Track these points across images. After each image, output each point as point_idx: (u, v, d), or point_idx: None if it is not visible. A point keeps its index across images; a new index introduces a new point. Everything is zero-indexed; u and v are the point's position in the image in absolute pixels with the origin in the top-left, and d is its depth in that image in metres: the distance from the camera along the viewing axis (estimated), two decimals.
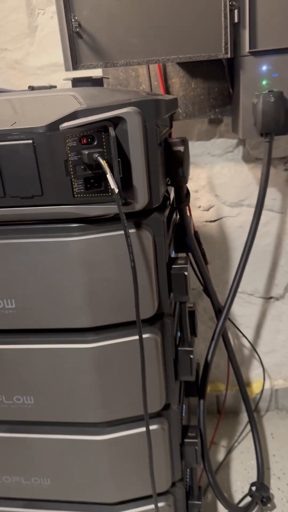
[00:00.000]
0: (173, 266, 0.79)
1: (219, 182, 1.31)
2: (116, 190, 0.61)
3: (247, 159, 1.28)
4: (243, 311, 1.44)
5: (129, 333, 0.77)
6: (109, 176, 0.61)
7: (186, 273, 0.79)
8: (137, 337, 0.76)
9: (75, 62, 0.89)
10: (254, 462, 1.34)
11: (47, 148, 0.64)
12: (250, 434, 1.43)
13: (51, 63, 1.21)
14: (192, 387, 1.06)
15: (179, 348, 0.85)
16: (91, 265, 0.71)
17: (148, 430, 0.76)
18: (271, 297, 1.44)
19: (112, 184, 0.62)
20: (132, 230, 0.70)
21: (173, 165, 0.81)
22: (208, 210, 1.34)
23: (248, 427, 1.46)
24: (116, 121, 0.65)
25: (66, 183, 0.66)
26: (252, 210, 1.33)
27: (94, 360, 0.76)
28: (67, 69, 0.90)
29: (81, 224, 0.71)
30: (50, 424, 0.84)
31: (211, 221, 1.35)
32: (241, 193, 1.31)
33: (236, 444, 1.41)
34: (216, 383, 1.52)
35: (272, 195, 1.31)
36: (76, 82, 0.82)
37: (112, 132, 0.63)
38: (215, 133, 1.26)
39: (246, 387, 1.45)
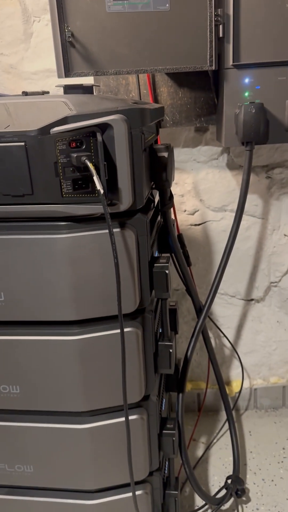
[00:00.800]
0: (155, 264, 0.84)
1: (204, 188, 1.36)
2: (102, 191, 0.66)
3: (231, 166, 1.34)
4: (225, 312, 1.50)
5: (111, 326, 0.82)
6: (95, 178, 0.66)
7: (167, 271, 0.83)
8: (117, 330, 0.81)
9: (67, 69, 0.94)
10: (232, 458, 1.39)
11: (38, 151, 0.69)
12: (229, 432, 1.48)
13: (45, 68, 1.26)
14: (173, 383, 1.10)
15: (159, 343, 0.90)
16: (77, 261, 0.76)
17: (127, 419, 0.80)
18: (252, 299, 1.49)
19: (98, 186, 0.67)
20: (116, 229, 0.75)
21: (157, 170, 0.86)
22: (193, 214, 1.39)
23: (224, 423, 1.51)
24: (104, 127, 0.70)
25: (55, 183, 0.71)
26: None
27: (78, 351, 0.81)
28: (59, 76, 0.95)
29: (69, 223, 0.75)
30: (34, 413, 0.88)
31: (195, 225, 1.41)
32: (224, 199, 1.37)
33: (215, 441, 1.46)
34: (197, 382, 1.57)
35: (254, 202, 1.37)
36: (68, 89, 0.87)
37: (99, 137, 0.67)
38: (201, 140, 1.31)
39: (226, 386, 1.51)
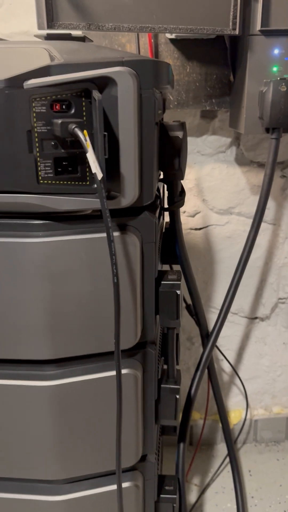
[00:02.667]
0: (163, 282, 0.62)
1: (208, 185, 1.15)
2: (100, 176, 0.44)
3: (241, 161, 1.14)
4: (226, 332, 1.29)
5: (99, 367, 0.59)
6: (90, 155, 0.44)
7: (178, 291, 0.62)
8: (109, 373, 0.59)
9: (50, 19, 0.71)
10: (230, 505, 1.18)
11: (5, 112, 0.46)
12: (225, 471, 1.27)
13: (22, 31, 1.02)
14: (170, 427, 0.88)
15: (162, 385, 0.68)
16: (55, 276, 0.53)
17: (120, 490, 0.58)
18: (256, 317, 1.29)
19: (93, 167, 0.44)
20: (115, 233, 0.53)
21: (168, 154, 0.64)
22: (193, 216, 1.18)
23: (223, 462, 1.30)
24: (103, 84, 0.48)
25: (28, 163, 0.48)
26: (243, 219, 1.19)
27: (53, 401, 0.58)
28: (40, 28, 0.71)
29: (46, 221, 0.53)
30: None
31: (196, 229, 1.19)
32: (231, 199, 1.16)
33: (210, 482, 1.25)
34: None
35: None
36: (51, 39, 0.64)
37: (97, 94, 0.45)
38: (207, 128, 1.10)
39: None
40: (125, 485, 0.65)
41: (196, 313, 0.87)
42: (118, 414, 0.52)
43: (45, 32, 0.65)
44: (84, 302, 0.55)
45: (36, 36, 0.66)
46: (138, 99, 0.49)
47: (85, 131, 0.44)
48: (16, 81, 0.46)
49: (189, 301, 0.94)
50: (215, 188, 1.15)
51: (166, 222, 0.81)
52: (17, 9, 1.01)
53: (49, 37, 0.63)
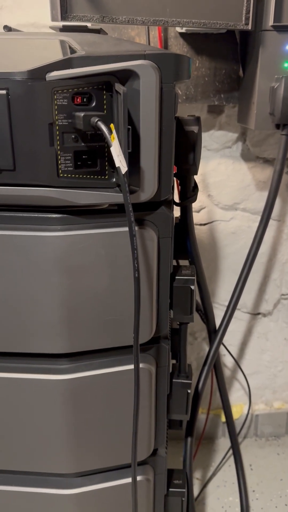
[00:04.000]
0: (177, 277, 0.62)
1: (213, 181, 1.15)
2: (124, 169, 0.43)
3: (247, 157, 1.13)
4: (228, 327, 1.29)
5: (114, 361, 0.59)
6: (114, 149, 0.44)
7: (192, 286, 0.62)
8: (123, 367, 0.59)
9: (64, 10, 0.70)
10: (232, 498, 1.19)
11: (27, 104, 0.46)
12: (227, 465, 1.28)
13: (29, 22, 1.01)
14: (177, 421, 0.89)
15: (174, 380, 0.68)
16: (72, 270, 0.53)
17: (134, 484, 0.58)
18: (258, 313, 1.29)
19: (117, 161, 0.44)
20: None
21: (183, 149, 0.64)
22: (198, 211, 1.18)
23: (225, 455, 1.31)
24: (124, 77, 0.47)
25: (49, 156, 0.48)
26: (248, 215, 1.19)
27: (68, 395, 0.58)
28: (53, 19, 0.71)
29: (64, 215, 0.52)
30: (8, 473, 0.65)
31: (201, 224, 1.19)
32: (237, 195, 1.16)
33: (212, 476, 1.26)
34: None
35: None
36: (67, 31, 0.63)
37: (121, 88, 0.45)
38: (214, 124, 1.10)
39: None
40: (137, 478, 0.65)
41: (205, 308, 0.87)
42: (135, 409, 0.52)
43: (61, 23, 0.65)
44: (100, 297, 0.55)
45: (51, 27, 0.65)
46: (159, 93, 0.49)
47: (111, 125, 0.43)
48: (38, 73, 0.45)
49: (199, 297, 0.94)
50: (221, 184, 1.15)
51: (176, 217, 0.81)
52: (22, 1, 1.00)
53: (64, 29, 0.63)
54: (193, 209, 1.17)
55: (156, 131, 0.49)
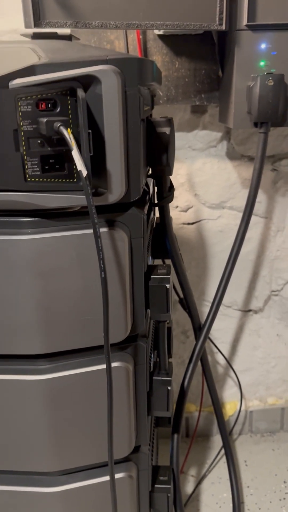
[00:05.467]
0: (152, 276, 0.63)
1: (199, 180, 1.16)
2: (84, 173, 0.45)
3: (232, 155, 1.14)
4: (220, 325, 1.30)
5: (91, 361, 0.60)
6: (74, 153, 0.45)
7: (167, 285, 0.63)
8: (101, 366, 0.60)
9: (37, 17, 0.72)
10: (226, 495, 1.20)
11: None
12: (221, 461, 1.29)
13: (12, 28, 1.03)
14: (165, 418, 0.90)
15: (154, 378, 0.69)
16: (46, 272, 0.54)
17: (112, 481, 0.59)
18: (249, 310, 1.30)
19: (79, 164, 0.45)
20: (103, 229, 0.54)
21: (156, 150, 0.65)
22: (186, 211, 1.19)
23: (219, 452, 1.32)
24: (87, 82, 0.49)
25: (15, 161, 0.49)
26: (234, 213, 1.20)
27: (46, 395, 0.59)
28: (26, 26, 0.72)
29: (35, 219, 0.54)
30: None
31: (189, 224, 1.20)
32: (223, 194, 1.17)
33: (207, 473, 1.27)
34: (186, 404, 1.37)
35: (257, 198, 1.17)
36: (37, 38, 0.64)
37: (81, 93, 0.46)
38: (198, 123, 1.11)
39: None
40: (119, 475, 0.66)
41: (188, 306, 0.88)
42: (109, 406, 0.53)
43: (32, 31, 0.66)
44: (75, 297, 0.56)
45: (23, 35, 0.67)
46: (123, 97, 0.50)
47: (69, 130, 0.45)
48: (1, 81, 0.47)
49: (182, 295, 0.95)
50: (207, 183, 1.16)
51: (157, 217, 0.82)
52: (5, 7, 1.01)
53: (35, 36, 0.64)
54: (180, 209, 1.19)
55: (121, 134, 0.50)
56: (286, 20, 0.80)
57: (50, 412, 0.60)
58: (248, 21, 0.80)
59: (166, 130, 0.64)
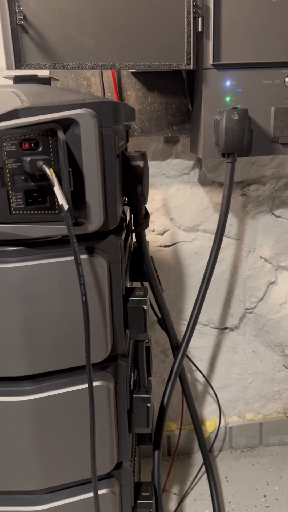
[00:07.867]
0: (130, 298, 0.67)
1: (174, 205, 1.22)
2: (66, 207, 0.49)
3: (204, 182, 1.21)
4: (197, 343, 1.34)
5: (74, 381, 0.64)
6: (56, 189, 0.49)
7: (145, 306, 0.67)
8: (83, 386, 0.63)
9: (18, 60, 0.77)
10: (208, 511, 1.22)
11: None
12: (203, 478, 1.32)
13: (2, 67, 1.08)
14: (145, 436, 0.93)
15: (134, 395, 0.72)
16: (30, 298, 0.58)
17: (96, 497, 0.62)
18: (226, 328, 1.35)
19: (60, 199, 0.50)
20: (83, 256, 0.58)
21: (131, 182, 0.70)
22: (162, 234, 1.24)
23: (201, 469, 1.34)
24: (67, 124, 0.54)
25: (1, 196, 0.53)
26: (208, 235, 1.26)
27: (30, 415, 0.62)
28: (8, 68, 0.77)
29: (20, 248, 0.58)
30: None
31: (165, 246, 1.26)
32: (197, 218, 1.23)
33: (189, 490, 1.29)
34: (167, 423, 1.40)
35: (229, 221, 1.23)
36: (19, 81, 0.70)
37: (61, 135, 0.51)
38: (171, 153, 1.17)
39: None
40: (102, 492, 0.69)
41: (166, 326, 0.92)
42: (91, 424, 0.57)
43: (14, 73, 0.71)
44: (58, 321, 0.60)
45: (5, 77, 0.72)
46: (99, 137, 0.55)
47: (51, 169, 0.49)
48: None
49: (160, 315, 0.99)
50: (181, 207, 1.22)
51: (134, 242, 0.86)
52: None
53: (17, 79, 0.69)
54: (157, 232, 1.24)
55: (98, 170, 0.55)
56: (248, 59, 0.88)
57: (34, 432, 0.63)
58: (213, 61, 0.87)
59: (140, 163, 0.70)
